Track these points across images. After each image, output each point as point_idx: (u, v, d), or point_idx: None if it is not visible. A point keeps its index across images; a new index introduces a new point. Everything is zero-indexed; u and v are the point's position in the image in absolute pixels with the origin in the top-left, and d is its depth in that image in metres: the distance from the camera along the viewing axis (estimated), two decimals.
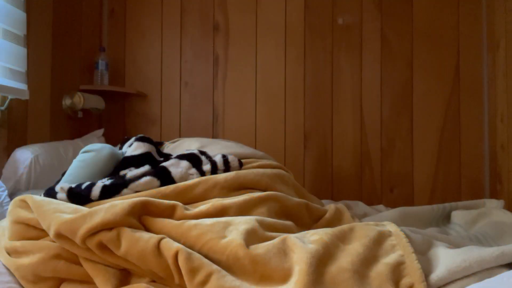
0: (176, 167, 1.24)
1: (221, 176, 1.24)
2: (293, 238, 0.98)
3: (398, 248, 0.98)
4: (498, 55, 2.24)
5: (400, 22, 2.42)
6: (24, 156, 1.66)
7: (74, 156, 1.86)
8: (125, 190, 1.17)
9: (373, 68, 2.42)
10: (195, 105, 2.48)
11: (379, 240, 1.01)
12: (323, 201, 1.98)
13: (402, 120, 2.41)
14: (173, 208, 1.08)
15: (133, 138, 1.47)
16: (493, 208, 1.69)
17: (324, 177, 2.43)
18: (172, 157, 1.34)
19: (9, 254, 1.05)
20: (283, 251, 0.95)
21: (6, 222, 1.13)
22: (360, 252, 0.95)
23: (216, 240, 0.96)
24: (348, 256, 0.94)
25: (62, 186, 1.18)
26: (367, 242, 0.99)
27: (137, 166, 1.29)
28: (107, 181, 1.19)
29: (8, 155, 1.69)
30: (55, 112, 2.11)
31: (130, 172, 1.24)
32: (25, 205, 1.11)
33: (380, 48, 2.42)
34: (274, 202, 1.22)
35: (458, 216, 1.68)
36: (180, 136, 2.47)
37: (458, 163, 2.39)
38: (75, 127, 2.29)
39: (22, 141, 1.85)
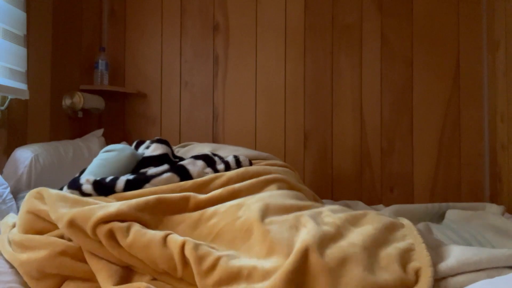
0: (193, 166, 1.32)
1: (233, 172, 1.33)
2: (307, 217, 1.03)
3: (408, 238, 1.01)
4: (498, 55, 2.24)
5: (400, 22, 2.42)
6: (24, 155, 1.66)
7: (74, 156, 1.86)
8: (147, 185, 1.23)
9: (373, 68, 2.42)
10: (195, 105, 2.48)
11: (391, 227, 1.05)
12: (323, 201, 1.99)
13: (402, 120, 2.41)
14: (186, 198, 1.13)
15: (148, 141, 1.55)
16: (491, 213, 1.68)
17: (324, 177, 2.43)
18: (187, 158, 1.42)
19: (14, 248, 1.06)
20: (295, 227, 1.00)
21: (11, 217, 1.17)
22: (372, 234, 0.99)
23: (232, 223, 1.03)
24: (359, 235, 0.98)
25: (88, 178, 1.23)
26: (380, 226, 1.03)
27: (156, 165, 1.35)
28: (130, 176, 1.24)
29: (8, 155, 1.69)
30: (55, 112, 2.11)
31: (151, 170, 1.30)
32: (40, 196, 1.13)
33: (380, 48, 2.42)
34: (282, 183, 1.31)
35: (453, 214, 1.68)
36: (180, 136, 2.47)
37: (458, 163, 2.39)
38: (75, 127, 2.29)
39: (22, 141, 1.85)
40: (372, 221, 1.07)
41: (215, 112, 2.47)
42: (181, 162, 1.34)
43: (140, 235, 0.97)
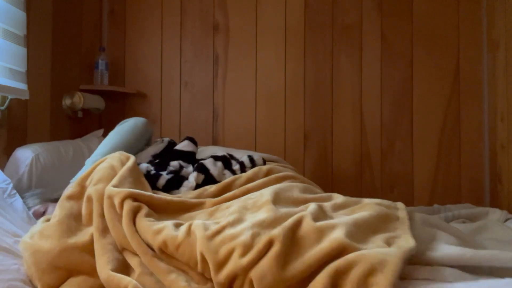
0: (214, 166, 1.44)
1: (250, 172, 1.43)
2: (312, 205, 1.12)
3: (399, 231, 1.06)
4: (498, 55, 2.24)
5: (400, 22, 2.42)
6: (25, 155, 1.66)
7: (75, 156, 1.87)
8: (182, 188, 1.37)
9: (373, 68, 2.42)
10: (195, 105, 2.48)
11: (385, 219, 1.10)
12: None
13: (402, 119, 2.41)
14: (202, 202, 1.25)
15: (167, 140, 1.74)
16: (493, 222, 1.66)
17: (324, 177, 2.43)
18: (207, 157, 1.53)
19: (35, 236, 1.12)
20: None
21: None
22: (366, 218, 1.06)
23: (244, 201, 1.17)
24: (353, 218, 1.05)
25: (148, 166, 1.40)
26: (374, 214, 1.09)
27: (184, 159, 1.52)
28: (169, 176, 1.38)
29: (8, 155, 1.69)
30: (55, 112, 2.11)
31: (183, 170, 1.45)
32: (125, 160, 1.33)
33: (380, 48, 2.42)
34: (292, 179, 1.40)
35: None
36: (180, 136, 2.47)
37: (458, 163, 2.39)
38: (75, 127, 2.29)
39: (22, 141, 1.84)
40: (369, 209, 1.14)
41: (215, 112, 2.47)
42: (203, 162, 1.46)
43: (156, 222, 1.08)
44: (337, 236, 0.94)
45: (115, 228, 1.09)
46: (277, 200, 1.16)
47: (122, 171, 1.25)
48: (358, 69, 2.43)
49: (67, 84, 2.21)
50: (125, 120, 1.66)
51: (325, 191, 2.39)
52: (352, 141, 2.42)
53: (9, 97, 1.70)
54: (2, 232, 1.16)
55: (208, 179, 1.40)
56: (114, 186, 1.17)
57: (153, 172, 1.39)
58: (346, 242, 0.92)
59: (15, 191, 1.45)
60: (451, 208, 1.90)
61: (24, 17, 1.77)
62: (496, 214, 1.74)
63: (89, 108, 2.29)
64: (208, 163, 1.44)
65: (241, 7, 2.47)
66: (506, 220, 1.68)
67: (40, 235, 1.11)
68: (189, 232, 1.02)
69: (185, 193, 1.33)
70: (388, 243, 0.98)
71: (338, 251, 0.91)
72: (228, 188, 1.34)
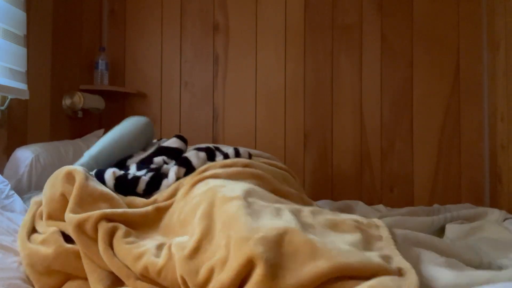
0: (197, 158, 1.38)
1: (228, 160, 1.38)
2: (287, 211, 1.02)
3: (386, 251, 0.97)
4: (498, 55, 2.24)
5: (400, 22, 2.42)
6: (25, 155, 1.66)
7: (75, 156, 1.87)
8: (162, 187, 1.30)
9: (373, 68, 2.42)
10: (195, 105, 2.48)
11: (369, 239, 1.01)
12: (323, 201, 2.01)
13: (402, 119, 2.41)
14: (174, 193, 1.23)
15: (163, 140, 1.70)
16: (490, 222, 1.65)
17: (324, 177, 2.43)
18: (191, 149, 1.48)
19: (33, 237, 1.10)
20: (277, 214, 1.00)
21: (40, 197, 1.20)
22: (352, 239, 0.96)
23: (212, 197, 1.08)
24: (340, 237, 0.97)
25: (115, 171, 1.30)
26: (359, 235, 0.99)
27: (169, 156, 1.47)
28: (148, 178, 1.30)
29: (8, 155, 1.69)
30: (55, 112, 2.11)
31: (164, 166, 1.39)
32: (71, 177, 1.16)
33: (380, 48, 2.42)
34: (263, 181, 1.30)
35: (451, 230, 1.67)
36: None
37: (458, 163, 2.39)
38: (75, 127, 2.29)
39: (22, 141, 1.84)
40: (349, 229, 1.02)
41: (215, 112, 2.47)
42: (186, 154, 1.41)
43: (136, 243, 1.01)
44: (339, 251, 0.86)
45: (95, 257, 1.02)
46: (249, 195, 1.08)
47: (75, 193, 1.11)
48: (358, 69, 2.43)
49: (67, 84, 2.21)
50: (128, 117, 1.64)
51: (325, 191, 2.42)
52: (352, 141, 2.42)
53: (9, 97, 1.70)
54: (1, 230, 1.16)
55: (190, 172, 1.33)
56: (74, 213, 1.06)
57: (131, 176, 1.29)
58: (346, 262, 0.83)
59: (13, 192, 1.45)
60: (451, 208, 1.89)
61: (24, 17, 1.77)
62: (495, 214, 1.73)
63: (89, 108, 2.29)
64: (191, 156, 1.38)
65: (241, 7, 2.47)
66: (505, 219, 1.68)
67: (36, 237, 1.09)
68: (169, 254, 0.94)
69: (161, 193, 1.25)
70: (386, 262, 0.90)
71: (338, 272, 0.82)
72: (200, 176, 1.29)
